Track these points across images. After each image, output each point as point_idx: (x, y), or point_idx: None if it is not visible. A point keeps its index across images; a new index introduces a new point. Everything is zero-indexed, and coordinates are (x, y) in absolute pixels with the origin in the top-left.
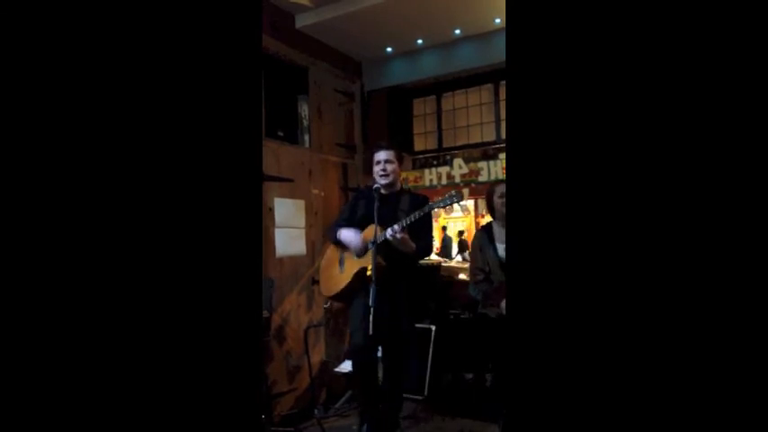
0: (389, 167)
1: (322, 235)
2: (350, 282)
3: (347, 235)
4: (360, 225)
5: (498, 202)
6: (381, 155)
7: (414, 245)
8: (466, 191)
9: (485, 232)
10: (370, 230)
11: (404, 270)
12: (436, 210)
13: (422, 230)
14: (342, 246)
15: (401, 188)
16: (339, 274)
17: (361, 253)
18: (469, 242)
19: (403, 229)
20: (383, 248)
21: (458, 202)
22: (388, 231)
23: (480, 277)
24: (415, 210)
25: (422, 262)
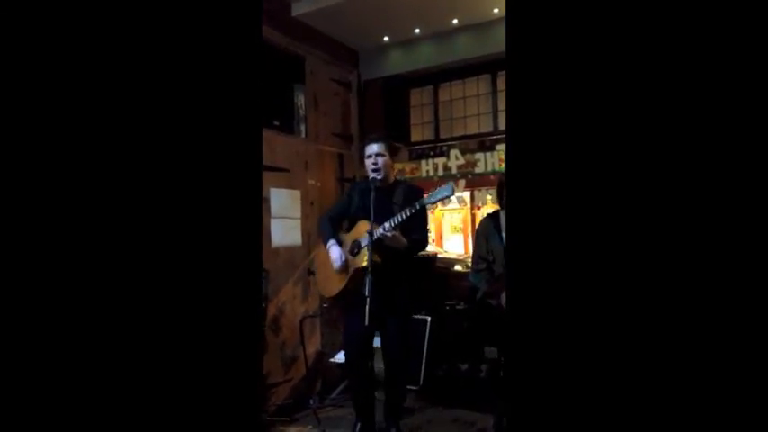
0: (381, 161)
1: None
2: (347, 284)
3: (333, 253)
4: (353, 218)
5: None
6: (372, 148)
7: (405, 241)
8: (462, 182)
9: (491, 220)
10: (362, 227)
11: (399, 263)
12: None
13: (416, 225)
14: None
15: (395, 180)
16: (335, 275)
17: (340, 270)
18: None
19: (394, 228)
20: (376, 245)
21: (449, 196)
22: (379, 230)
23: (482, 266)
24: (409, 202)
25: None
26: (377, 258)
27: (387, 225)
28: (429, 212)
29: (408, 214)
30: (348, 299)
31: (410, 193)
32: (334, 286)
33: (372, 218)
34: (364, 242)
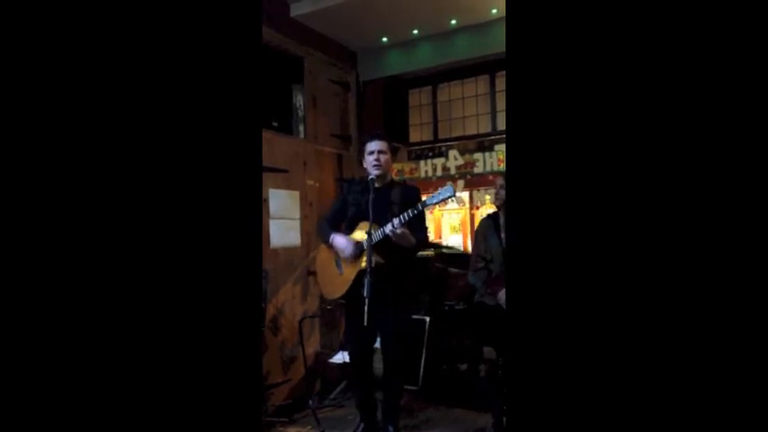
0: (383, 158)
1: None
2: (352, 285)
3: (339, 242)
4: (351, 220)
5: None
6: (375, 145)
7: (413, 238)
8: (461, 182)
9: (491, 220)
10: (364, 228)
11: (402, 263)
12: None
13: (417, 224)
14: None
15: (392, 180)
16: (339, 276)
17: (354, 259)
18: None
19: (402, 225)
20: (381, 245)
21: (452, 197)
22: (388, 227)
23: (481, 265)
24: (407, 201)
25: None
26: (380, 259)
27: (396, 221)
28: (428, 212)
29: (412, 214)
30: (349, 300)
31: (408, 193)
32: (338, 288)
33: (371, 218)
34: (367, 239)
